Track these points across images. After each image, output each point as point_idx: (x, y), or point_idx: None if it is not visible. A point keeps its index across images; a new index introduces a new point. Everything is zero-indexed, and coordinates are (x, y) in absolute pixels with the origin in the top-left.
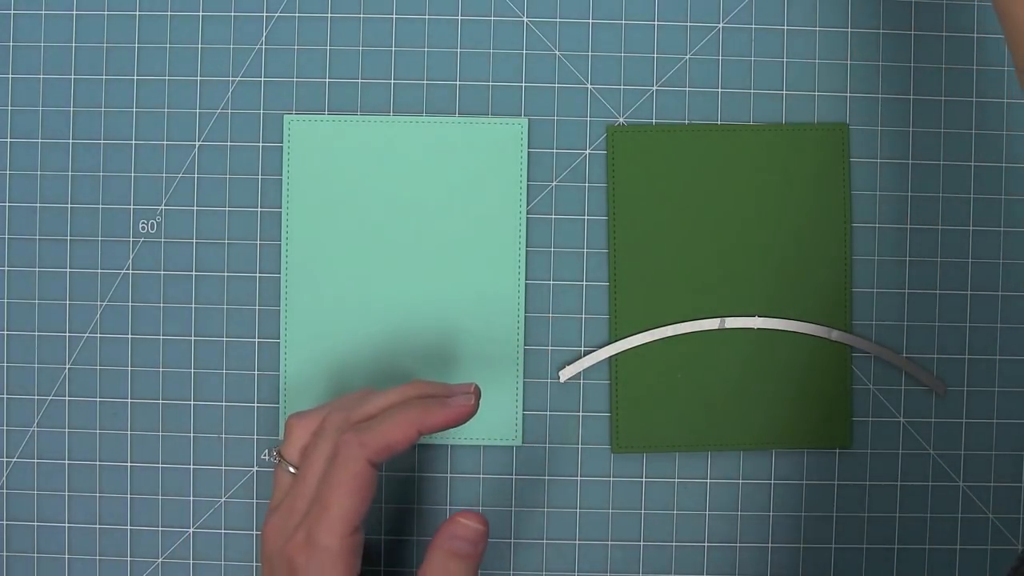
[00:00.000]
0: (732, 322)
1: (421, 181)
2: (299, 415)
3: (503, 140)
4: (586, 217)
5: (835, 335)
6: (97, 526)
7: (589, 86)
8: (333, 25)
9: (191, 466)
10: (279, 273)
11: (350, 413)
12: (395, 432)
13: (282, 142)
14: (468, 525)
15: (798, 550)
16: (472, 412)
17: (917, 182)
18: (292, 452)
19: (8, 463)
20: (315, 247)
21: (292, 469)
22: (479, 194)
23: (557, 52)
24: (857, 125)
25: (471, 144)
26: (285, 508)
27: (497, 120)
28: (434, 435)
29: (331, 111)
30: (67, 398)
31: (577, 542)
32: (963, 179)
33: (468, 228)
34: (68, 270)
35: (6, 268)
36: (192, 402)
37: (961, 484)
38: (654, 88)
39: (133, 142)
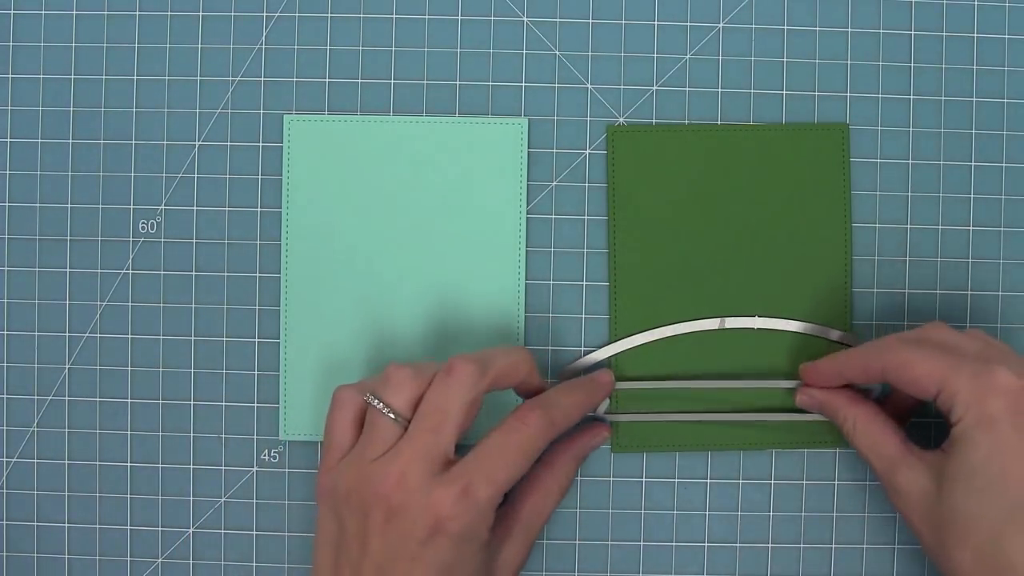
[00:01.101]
0: (732, 322)
1: (421, 181)
2: (402, 366)
3: (503, 140)
4: (586, 217)
5: (835, 335)
6: (97, 526)
7: (589, 86)
8: (333, 25)
9: (191, 466)
10: (279, 273)
11: (481, 366)
12: (576, 414)
13: (282, 142)
14: (604, 437)
15: (798, 550)
16: (613, 384)
17: (917, 182)
18: (401, 401)
19: (8, 463)
20: (315, 247)
21: (394, 416)
22: (479, 194)
23: (557, 52)
24: (857, 125)
25: (471, 144)
26: (410, 458)
27: (497, 120)
28: None
29: (331, 111)
30: (67, 398)
31: (577, 542)
32: (963, 179)
33: (468, 228)
34: (68, 270)
35: (6, 268)
36: (192, 402)
37: None
38: (654, 88)
39: (133, 142)
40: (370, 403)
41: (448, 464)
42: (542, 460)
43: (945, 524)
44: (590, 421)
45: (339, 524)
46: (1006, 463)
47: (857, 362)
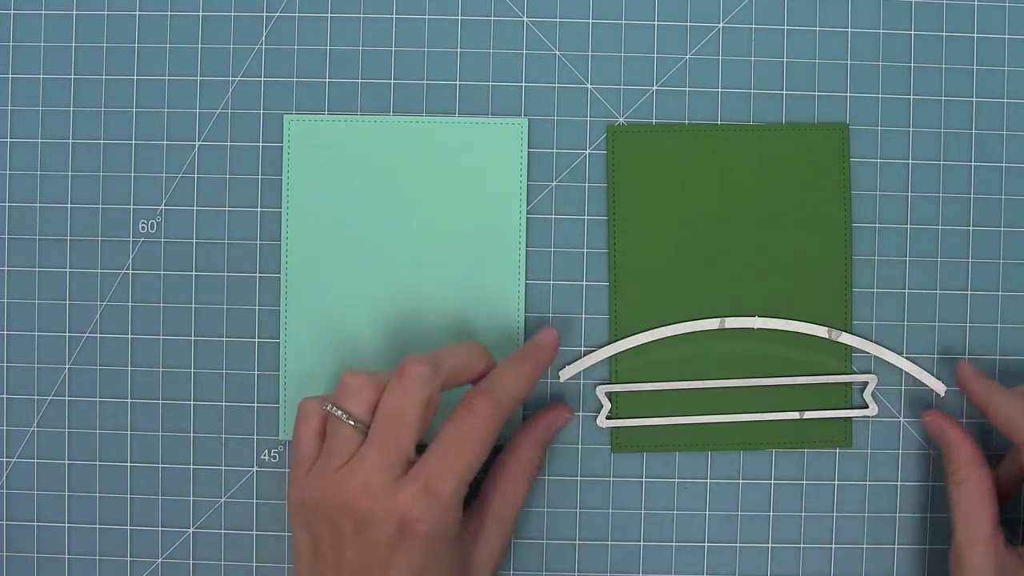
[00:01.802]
0: (732, 322)
1: (421, 181)
2: (358, 372)
3: (503, 140)
4: (586, 217)
5: (835, 335)
6: (97, 526)
7: (589, 86)
8: (333, 25)
9: (191, 466)
10: (279, 273)
11: (432, 366)
12: (523, 388)
13: (282, 142)
14: (567, 418)
15: (798, 550)
16: (558, 341)
17: (917, 182)
18: (359, 408)
19: (8, 463)
20: (315, 247)
21: (353, 423)
22: (479, 194)
23: (557, 52)
24: (857, 125)
25: (471, 144)
26: (372, 464)
27: (497, 120)
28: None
29: (331, 111)
30: (67, 398)
31: (577, 542)
32: (963, 179)
33: (468, 228)
34: (68, 270)
35: (6, 268)
36: (192, 402)
37: None
38: (654, 88)
39: (133, 142)
40: (330, 412)
41: (410, 466)
42: (506, 448)
43: None
44: (554, 404)
45: (312, 536)
46: None
47: (1005, 415)
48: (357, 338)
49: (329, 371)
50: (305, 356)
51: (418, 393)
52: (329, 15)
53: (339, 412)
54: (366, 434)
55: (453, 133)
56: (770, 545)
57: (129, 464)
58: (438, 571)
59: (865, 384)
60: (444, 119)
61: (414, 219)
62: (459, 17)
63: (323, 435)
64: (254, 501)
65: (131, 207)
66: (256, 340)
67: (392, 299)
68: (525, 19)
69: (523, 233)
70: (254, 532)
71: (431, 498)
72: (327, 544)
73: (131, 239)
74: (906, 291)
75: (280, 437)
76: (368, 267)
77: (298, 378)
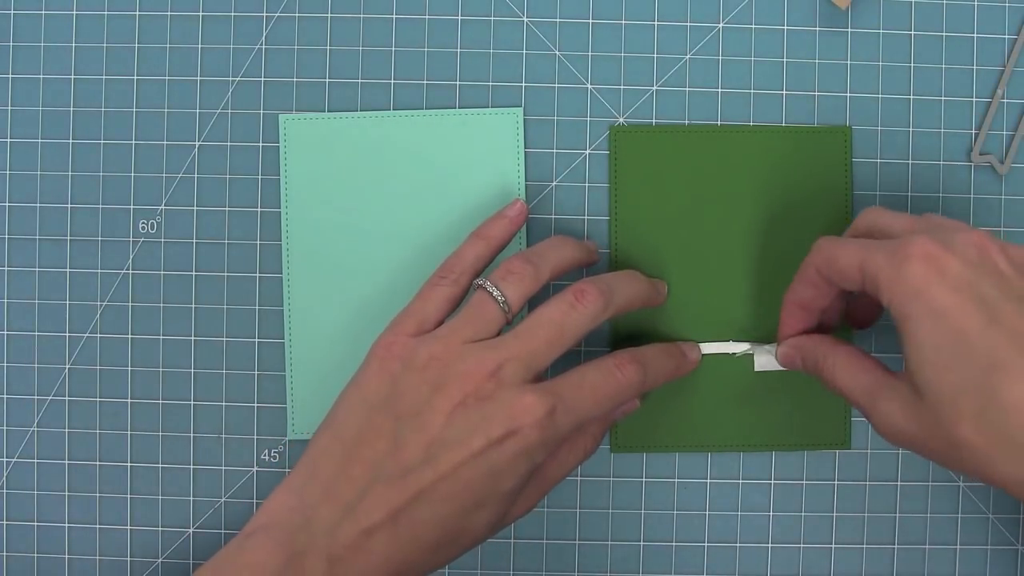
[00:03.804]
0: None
1: (419, 177)
2: (526, 263)
3: (498, 130)
4: (586, 217)
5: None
6: (97, 526)
7: (589, 86)
8: (333, 25)
9: (191, 466)
10: (279, 273)
11: (607, 301)
12: (662, 380)
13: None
14: (636, 405)
15: (798, 550)
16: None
17: (917, 182)
18: (514, 295)
19: (8, 463)
20: (316, 245)
21: (503, 307)
22: (479, 189)
23: (557, 52)
24: (857, 125)
25: (467, 136)
26: (513, 354)
27: (492, 111)
28: None
29: (331, 111)
30: (67, 398)
31: (577, 542)
32: (963, 179)
33: (469, 224)
34: (68, 270)
35: (6, 268)
36: (192, 402)
37: (961, 484)
38: (654, 88)
39: (133, 142)
40: (485, 288)
41: (537, 381)
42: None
43: (935, 418)
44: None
45: (394, 388)
46: (955, 325)
47: (798, 282)
48: (361, 333)
49: (335, 368)
50: (310, 354)
51: (585, 323)
52: (329, 15)
53: (495, 291)
54: (508, 321)
55: (447, 125)
56: (770, 545)
57: (129, 464)
58: (504, 483)
59: None
60: (437, 111)
61: (414, 217)
62: (459, 17)
63: (453, 304)
64: (254, 501)
65: (131, 207)
66: (256, 340)
67: (394, 296)
68: (525, 19)
69: (523, 233)
70: None
71: (550, 421)
72: (409, 403)
73: (131, 239)
74: None
75: (288, 437)
76: (369, 265)
77: (304, 376)
